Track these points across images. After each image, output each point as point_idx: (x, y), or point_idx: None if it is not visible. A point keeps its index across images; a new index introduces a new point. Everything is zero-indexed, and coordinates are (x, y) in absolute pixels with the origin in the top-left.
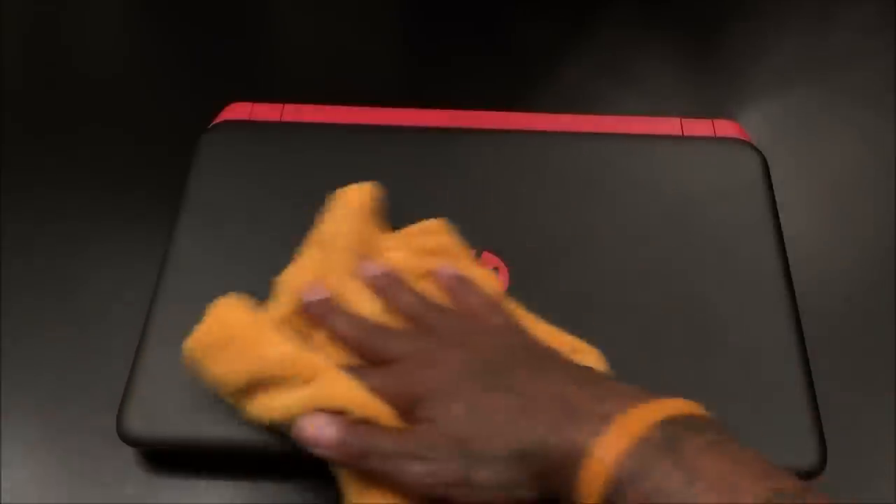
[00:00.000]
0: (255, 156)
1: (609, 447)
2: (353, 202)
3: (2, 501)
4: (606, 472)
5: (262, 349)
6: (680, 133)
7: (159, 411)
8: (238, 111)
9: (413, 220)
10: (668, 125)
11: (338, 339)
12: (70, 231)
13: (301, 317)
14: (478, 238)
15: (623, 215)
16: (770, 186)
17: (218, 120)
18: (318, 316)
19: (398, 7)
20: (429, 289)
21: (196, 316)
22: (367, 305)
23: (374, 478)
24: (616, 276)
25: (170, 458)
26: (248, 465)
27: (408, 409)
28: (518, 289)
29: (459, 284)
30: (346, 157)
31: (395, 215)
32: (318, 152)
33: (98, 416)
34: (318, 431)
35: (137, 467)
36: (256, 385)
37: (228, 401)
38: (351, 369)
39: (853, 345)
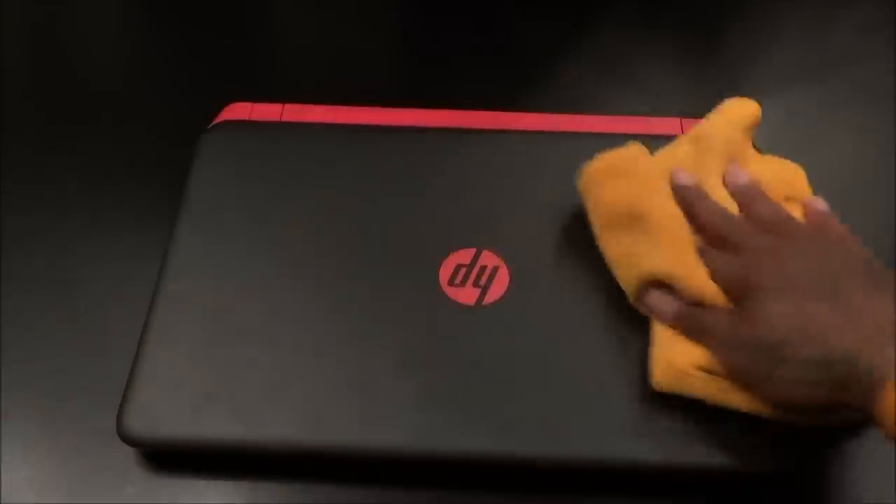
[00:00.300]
0: (255, 156)
1: None
2: (736, 113)
3: (1, 501)
4: None
5: (652, 193)
6: (680, 133)
7: (159, 411)
8: (238, 111)
9: (409, 220)
10: (667, 125)
11: (698, 221)
12: (70, 230)
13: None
14: (477, 237)
15: None
16: None
17: (218, 120)
18: (683, 197)
19: (398, 7)
20: (788, 210)
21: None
22: (726, 204)
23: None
24: None
25: (170, 458)
26: (248, 465)
27: (740, 295)
28: (518, 289)
29: (824, 215)
30: (346, 156)
31: (395, 214)
32: (318, 152)
33: (98, 416)
34: (660, 303)
35: (137, 467)
36: (625, 220)
37: (595, 225)
38: (705, 247)
39: None
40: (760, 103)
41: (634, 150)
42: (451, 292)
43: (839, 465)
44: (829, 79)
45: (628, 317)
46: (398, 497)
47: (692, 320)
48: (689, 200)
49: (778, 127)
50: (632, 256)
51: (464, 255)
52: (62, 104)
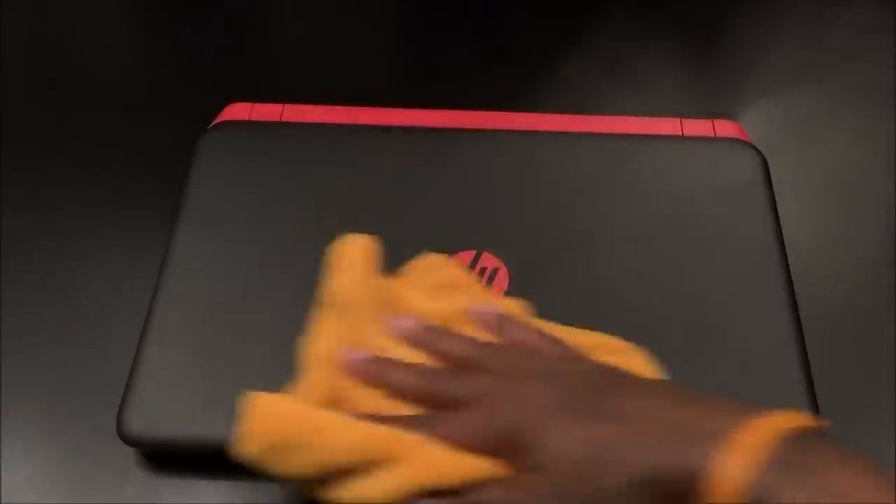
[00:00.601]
0: (255, 156)
1: (734, 467)
2: (354, 255)
3: (1, 501)
4: (736, 493)
5: (331, 436)
6: (680, 133)
7: (159, 411)
8: (238, 111)
9: (409, 221)
10: (667, 125)
11: (399, 392)
12: (71, 230)
13: (345, 381)
14: (477, 238)
15: (623, 215)
16: (770, 186)
17: (218, 120)
18: (369, 374)
19: (398, 7)
20: (468, 331)
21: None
22: (411, 359)
23: None
24: (616, 276)
25: (170, 458)
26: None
27: (507, 450)
28: (518, 289)
29: (502, 321)
30: (346, 157)
31: (395, 215)
32: (318, 152)
33: (98, 416)
34: None
35: (137, 467)
36: (334, 474)
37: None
38: (429, 419)
39: (853, 345)
40: (760, 103)
41: (278, 401)
42: None
43: None
44: (828, 78)
45: (628, 318)
46: None
47: None
48: (375, 374)
49: (778, 127)
50: (380, 488)
51: (464, 257)
52: (62, 104)
